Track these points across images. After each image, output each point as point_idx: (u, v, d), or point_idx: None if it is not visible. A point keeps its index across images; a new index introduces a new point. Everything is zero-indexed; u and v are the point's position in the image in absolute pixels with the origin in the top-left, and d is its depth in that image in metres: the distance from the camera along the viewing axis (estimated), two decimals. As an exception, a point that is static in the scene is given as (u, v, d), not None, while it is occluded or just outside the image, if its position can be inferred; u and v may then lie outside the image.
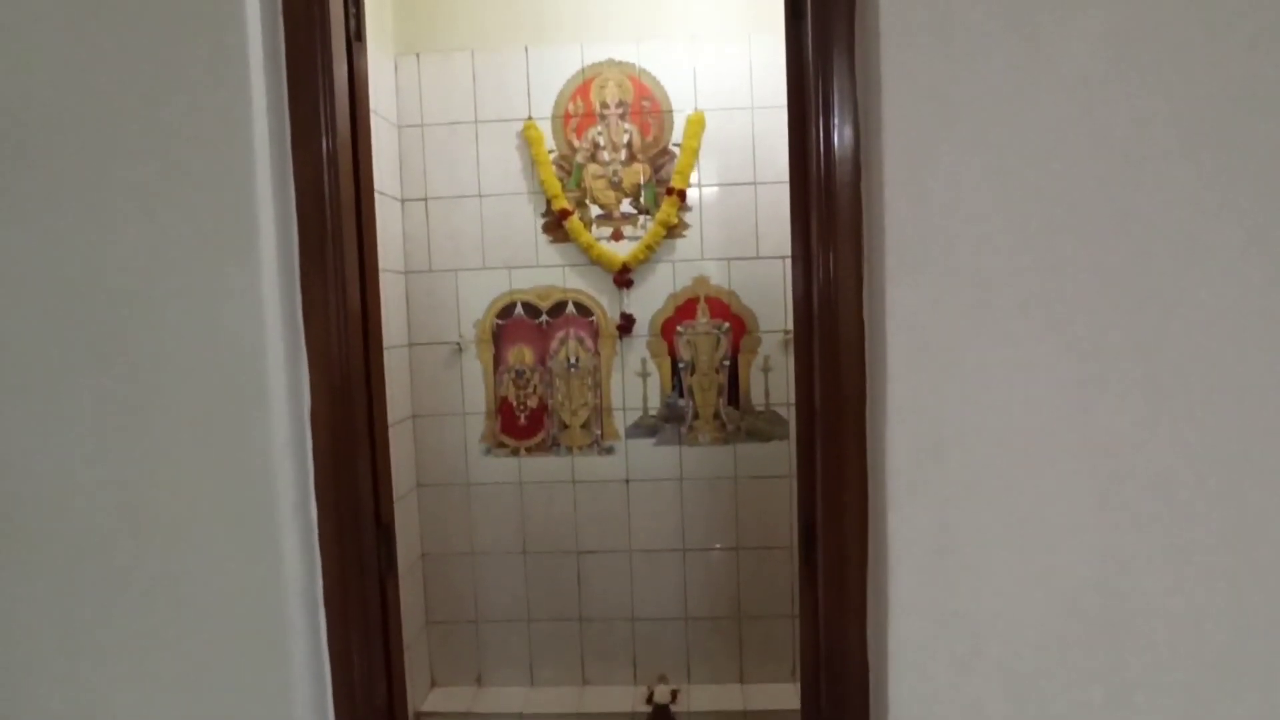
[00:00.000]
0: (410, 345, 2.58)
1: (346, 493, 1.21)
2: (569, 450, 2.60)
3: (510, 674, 2.66)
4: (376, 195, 1.47)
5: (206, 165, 1.08)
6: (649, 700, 2.40)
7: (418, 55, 2.53)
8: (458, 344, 2.58)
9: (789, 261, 1.92)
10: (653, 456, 2.57)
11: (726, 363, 2.54)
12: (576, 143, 2.52)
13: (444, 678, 2.67)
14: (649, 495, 2.58)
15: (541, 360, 2.58)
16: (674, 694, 2.41)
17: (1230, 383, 0.97)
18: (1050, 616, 1.02)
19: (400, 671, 1.36)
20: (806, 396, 1.18)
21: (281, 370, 1.12)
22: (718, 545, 2.58)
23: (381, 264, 1.60)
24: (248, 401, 1.10)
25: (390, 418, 2.33)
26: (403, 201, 2.56)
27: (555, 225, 2.54)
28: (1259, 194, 0.95)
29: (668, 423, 2.56)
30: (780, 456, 2.53)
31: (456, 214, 2.56)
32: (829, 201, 1.11)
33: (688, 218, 2.52)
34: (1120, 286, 0.97)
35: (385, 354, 2.39)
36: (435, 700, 2.58)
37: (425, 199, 2.56)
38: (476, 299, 2.58)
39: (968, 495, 1.02)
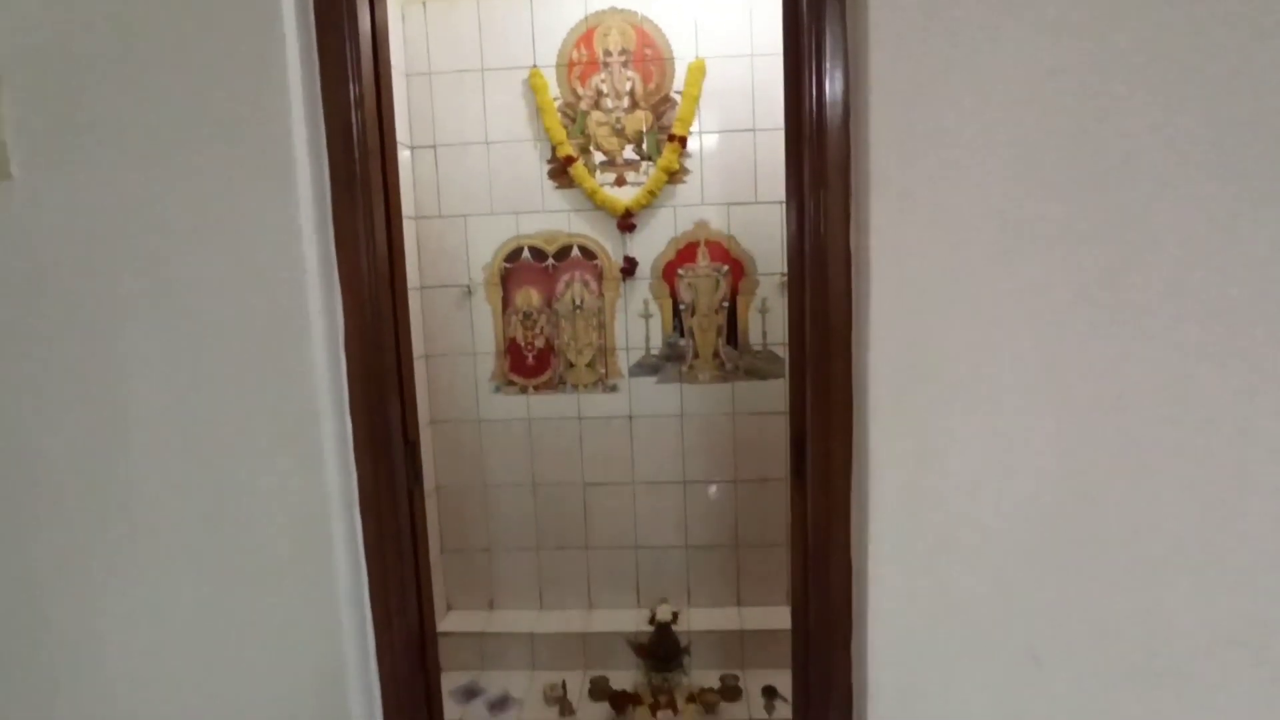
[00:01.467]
0: (421, 288, 2.68)
1: (377, 411, 1.33)
2: (575, 388, 2.72)
3: (521, 598, 2.83)
4: (396, 138, 1.56)
5: (247, 108, 1.17)
6: (651, 621, 2.57)
7: (424, 4, 2.58)
8: (467, 287, 2.69)
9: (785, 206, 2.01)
10: (655, 394, 2.70)
11: (725, 304, 2.64)
12: (580, 90, 2.58)
13: (459, 602, 2.84)
14: (651, 431, 2.71)
15: (548, 302, 2.69)
16: (674, 615, 2.57)
17: (1192, 308, 1.07)
18: (1015, 512, 1.14)
19: (427, 572, 1.50)
20: (798, 324, 1.29)
21: (319, 297, 1.23)
22: (714, 486, 2.72)
23: (399, 205, 1.69)
24: (290, 325, 1.21)
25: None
26: (412, 149, 2.63)
27: (560, 171, 2.62)
28: (1224, 127, 1.04)
29: (669, 362, 2.68)
30: (776, 394, 2.65)
31: (464, 161, 2.64)
32: (820, 144, 1.20)
33: (688, 164, 2.60)
34: (1091, 220, 1.07)
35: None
36: (451, 622, 2.75)
37: (434, 146, 2.63)
38: (485, 243, 2.67)
39: (944, 409, 1.13)
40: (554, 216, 2.65)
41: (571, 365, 2.71)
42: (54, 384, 1.26)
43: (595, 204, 2.61)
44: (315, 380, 1.23)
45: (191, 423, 1.25)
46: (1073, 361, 1.10)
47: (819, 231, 1.21)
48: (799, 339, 1.30)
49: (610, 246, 2.66)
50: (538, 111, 2.58)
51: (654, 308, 2.67)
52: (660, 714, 2.36)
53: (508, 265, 2.68)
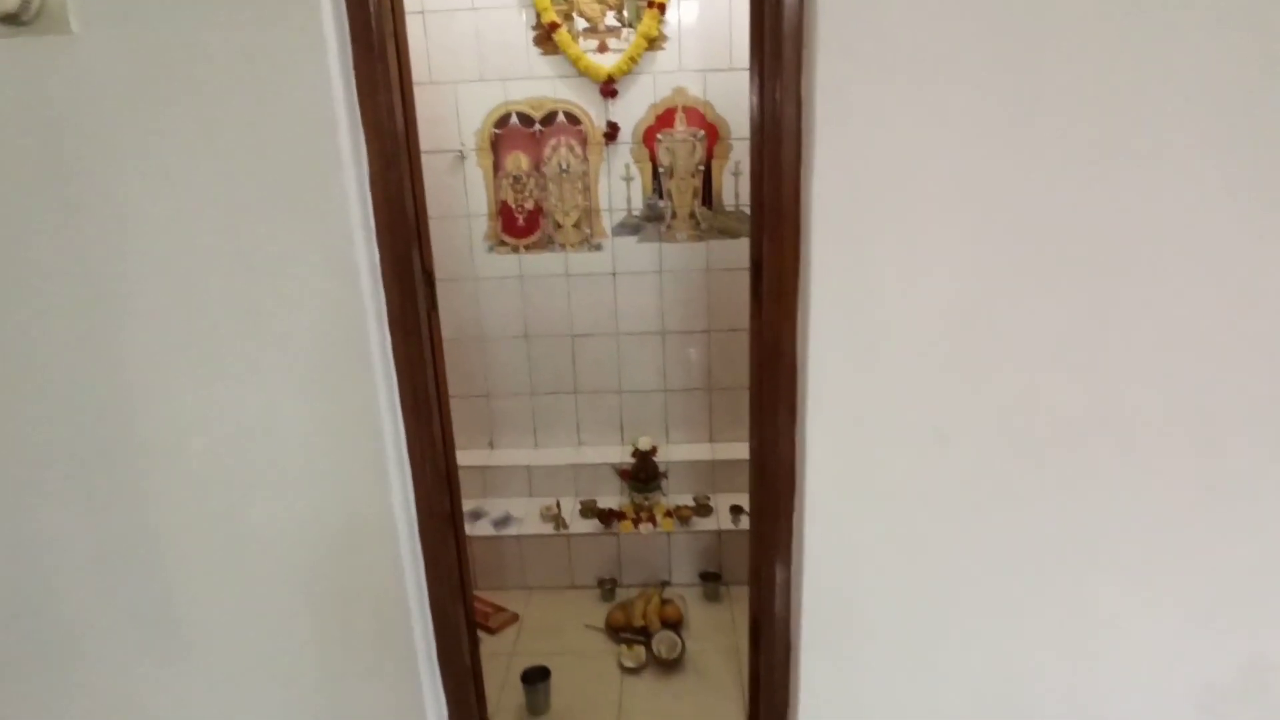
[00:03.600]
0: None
1: (401, 243, 1.56)
2: (563, 248, 2.96)
3: (517, 438, 3.17)
4: None
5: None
6: (635, 453, 2.92)
7: None
8: (460, 152, 2.86)
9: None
10: (636, 252, 2.94)
11: (701, 167, 2.85)
12: (563, -46, 2.67)
13: (462, 442, 3.16)
14: (633, 286, 2.97)
15: (536, 166, 2.88)
16: (654, 447, 2.93)
17: (1088, 130, 1.30)
18: (931, 322, 1.42)
19: (444, 383, 1.79)
20: (759, 172, 1.52)
21: (347, 139, 1.44)
22: (693, 350, 3.01)
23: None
24: (325, 162, 1.42)
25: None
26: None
27: (545, 38, 2.74)
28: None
29: (649, 222, 2.91)
30: (747, 251, 2.90)
31: (452, 27, 2.74)
32: (777, 9, 1.39)
33: (667, 31, 2.73)
34: (1004, 58, 1.28)
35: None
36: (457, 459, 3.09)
37: (422, 11, 2.73)
38: (475, 110, 2.82)
39: (876, 235, 1.38)
40: (540, 83, 2.80)
41: (559, 226, 2.93)
42: (115, 222, 1.47)
43: (579, 70, 2.75)
44: (349, 212, 1.46)
45: (246, 243, 1.47)
46: (983, 181, 1.34)
47: (775, 94, 1.42)
48: (758, 181, 1.53)
49: (594, 112, 2.82)
50: (522, -24, 2.68)
51: (635, 171, 2.87)
52: (641, 526, 2.75)
53: (497, 131, 2.84)
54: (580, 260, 2.97)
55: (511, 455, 3.12)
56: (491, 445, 3.18)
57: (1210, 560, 1.51)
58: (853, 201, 1.37)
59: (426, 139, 2.88)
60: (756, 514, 1.78)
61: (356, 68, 1.45)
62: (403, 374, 1.62)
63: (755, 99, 1.52)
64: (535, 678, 2.22)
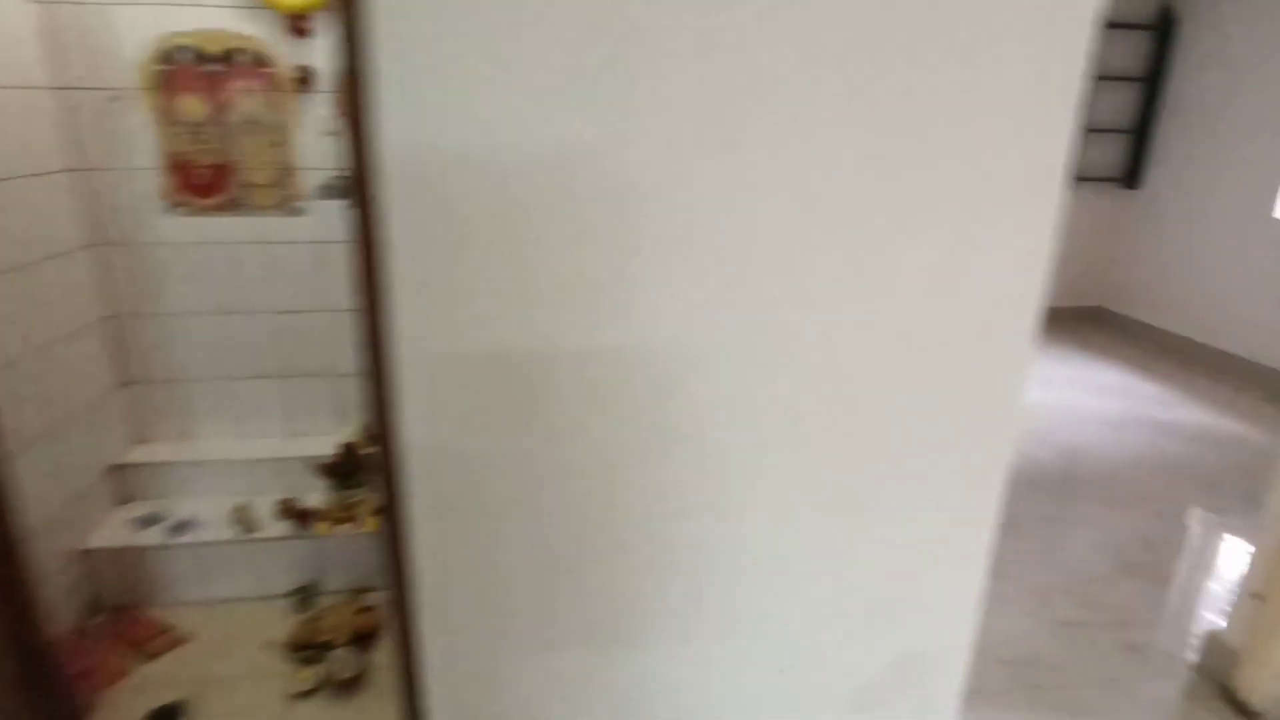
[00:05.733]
0: (57, 89, 2.34)
1: None
2: (257, 211, 2.56)
3: (215, 429, 2.76)
4: None
5: None
6: (345, 445, 2.61)
7: None
8: (117, 92, 2.38)
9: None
10: (344, 218, 2.60)
11: (414, 125, 2.53)
12: None
13: (147, 434, 2.73)
14: (340, 257, 2.63)
15: (217, 114, 2.45)
16: (361, 440, 2.63)
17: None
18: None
19: None
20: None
21: None
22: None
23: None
24: None
25: (29, 168, 2.21)
26: (24, -87, 2.21)
27: (218, -41, 2.32)
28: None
29: (355, 184, 2.57)
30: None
31: (97, -64, 2.26)
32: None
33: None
34: None
35: (18, 95, 2.20)
36: (138, 454, 2.65)
37: (53, -87, 2.23)
38: (133, 39, 2.35)
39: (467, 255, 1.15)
40: (216, 13, 2.37)
41: (251, 186, 2.54)
42: None
43: (263, 2, 2.35)
44: None
45: None
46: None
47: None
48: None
49: (285, 53, 2.43)
50: (181, -119, 2.23)
51: (338, 125, 2.51)
52: (340, 527, 2.46)
53: (164, 68, 2.39)
54: (279, 226, 2.58)
55: (205, 448, 2.71)
56: (185, 436, 2.76)
57: (856, 558, 1.44)
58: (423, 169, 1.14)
59: (74, 71, 2.39)
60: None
61: None
62: None
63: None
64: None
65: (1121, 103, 5.87)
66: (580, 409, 1.25)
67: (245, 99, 2.45)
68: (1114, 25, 5.64)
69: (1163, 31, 5.64)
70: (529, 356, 1.21)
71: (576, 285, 1.18)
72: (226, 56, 2.41)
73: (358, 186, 1.24)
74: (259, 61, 2.43)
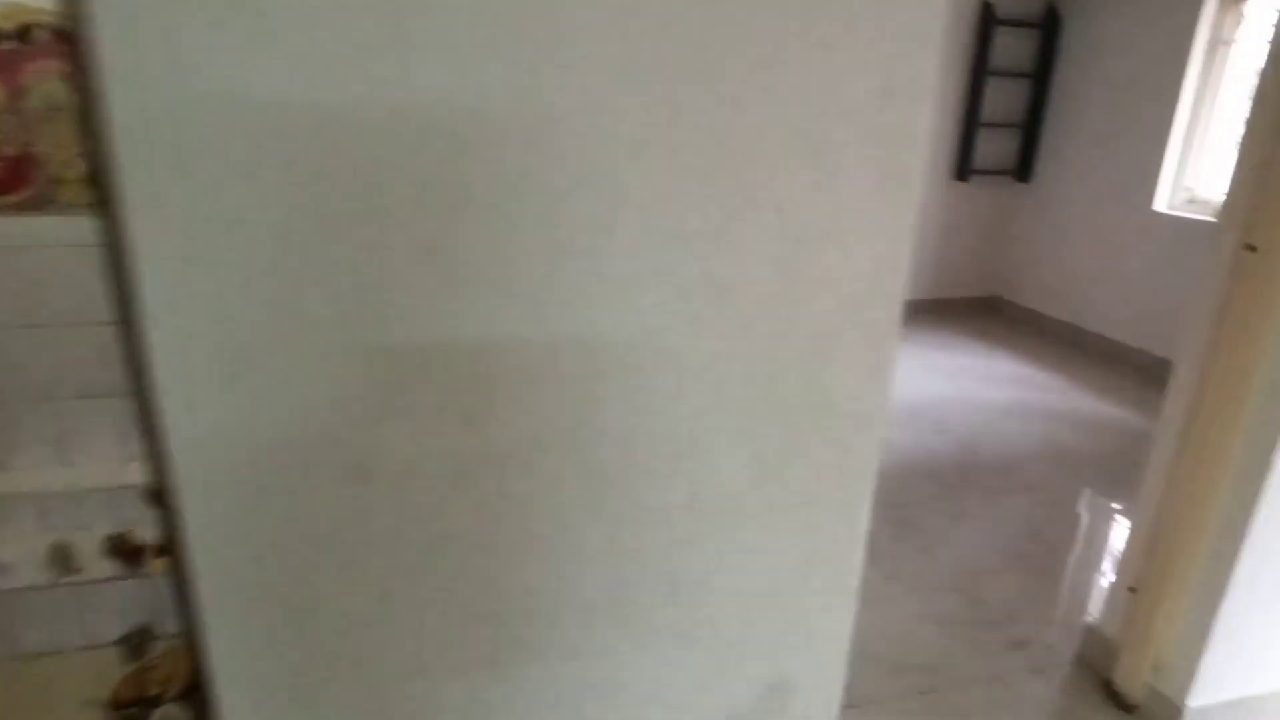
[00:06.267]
0: None
1: None
2: (71, 209, 2.26)
3: (36, 457, 2.45)
4: None
5: None
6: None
7: None
8: (-114, 71, 2.06)
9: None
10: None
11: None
12: None
13: (-48, 465, 2.39)
14: (173, 261, 2.37)
15: (13, 99, 2.15)
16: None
17: None
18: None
19: None
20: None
21: None
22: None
23: None
24: None
25: None
26: None
27: (7, -79, 2.02)
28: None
29: (185, 179, 2.31)
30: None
31: None
32: None
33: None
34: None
35: None
36: (-62, 489, 2.32)
37: None
38: (-94, 13, 2.03)
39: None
40: (8, -16, 2.07)
41: (60, 181, 2.24)
42: None
43: (65, -28, 2.06)
44: None
45: None
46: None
47: None
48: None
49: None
50: None
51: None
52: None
53: (-54, 45, 2.08)
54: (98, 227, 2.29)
55: (22, 479, 2.40)
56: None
57: (720, 587, 1.33)
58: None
59: None
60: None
61: None
62: None
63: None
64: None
65: (1014, 98, 6.02)
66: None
67: (49, 83, 2.15)
68: (1005, 22, 5.77)
69: (1048, 29, 5.81)
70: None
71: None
72: (23, 32, 2.11)
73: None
74: (66, 39, 2.13)
